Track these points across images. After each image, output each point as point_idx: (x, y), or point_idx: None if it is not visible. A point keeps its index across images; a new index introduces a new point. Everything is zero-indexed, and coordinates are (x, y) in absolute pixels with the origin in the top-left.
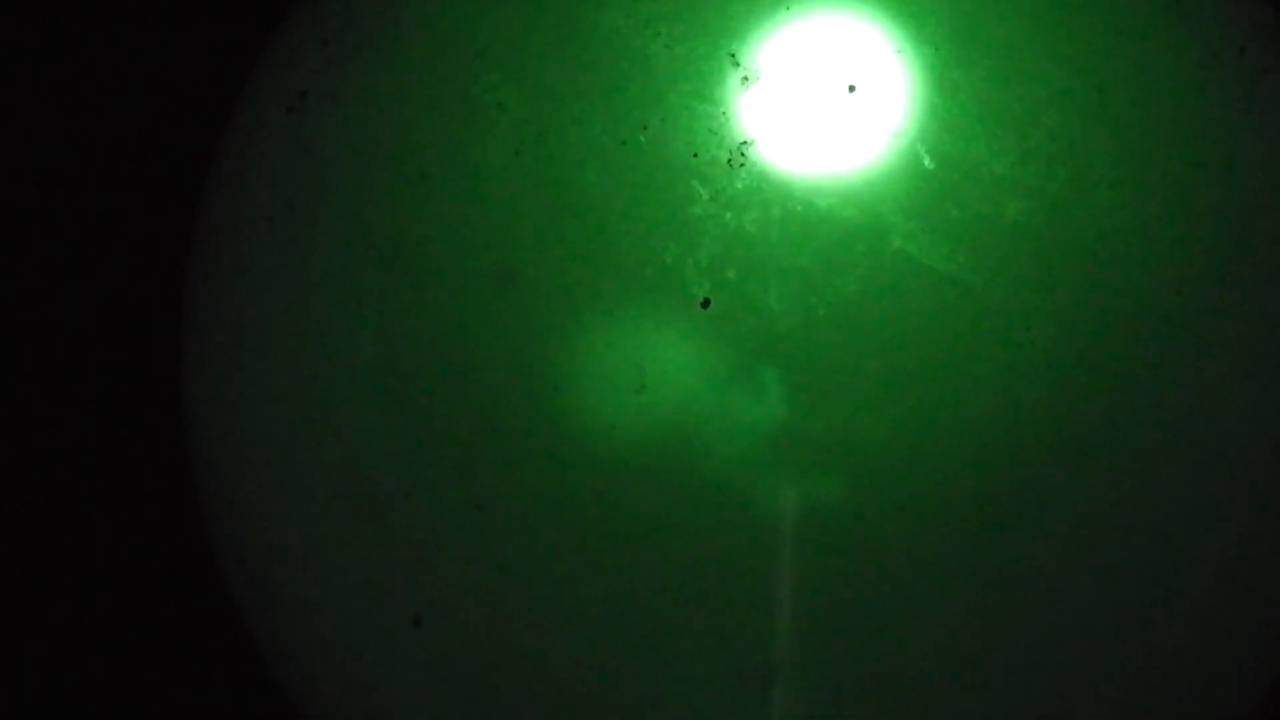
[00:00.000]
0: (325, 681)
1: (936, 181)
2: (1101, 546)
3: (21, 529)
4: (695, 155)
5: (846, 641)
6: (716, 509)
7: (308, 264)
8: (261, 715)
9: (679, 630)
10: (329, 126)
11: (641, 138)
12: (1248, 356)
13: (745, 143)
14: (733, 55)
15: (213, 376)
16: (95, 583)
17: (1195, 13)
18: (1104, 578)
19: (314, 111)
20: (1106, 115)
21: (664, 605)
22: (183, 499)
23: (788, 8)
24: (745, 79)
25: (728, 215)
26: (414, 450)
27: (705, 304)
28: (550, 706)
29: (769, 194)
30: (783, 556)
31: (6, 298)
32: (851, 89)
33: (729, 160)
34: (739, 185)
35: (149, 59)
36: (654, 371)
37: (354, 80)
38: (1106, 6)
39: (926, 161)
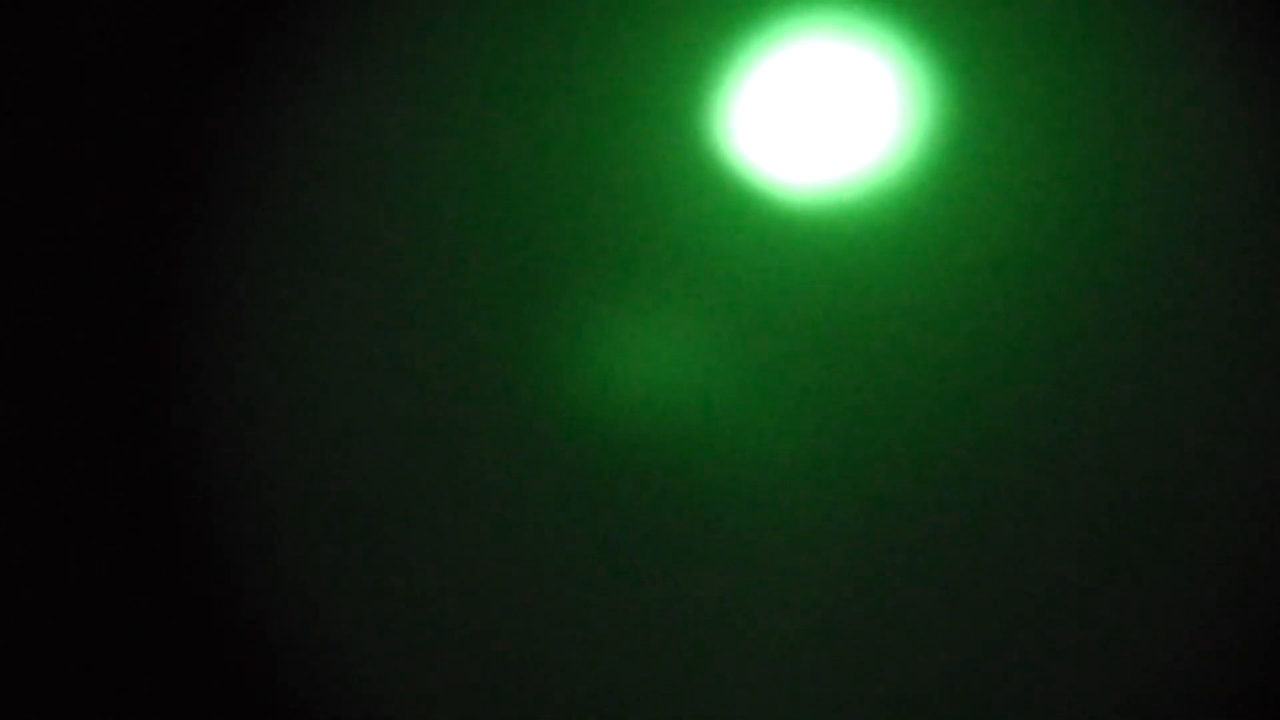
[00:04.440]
0: (323, 681)
1: (934, 186)
2: (1112, 548)
3: (19, 529)
4: (695, 157)
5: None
6: (715, 504)
7: (305, 263)
8: (259, 714)
9: (680, 627)
10: (327, 125)
11: (642, 139)
12: (1248, 359)
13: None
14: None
15: (211, 376)
16: (91, 582)
17: (1194, 23)
18: (1109, 581)
19: (312, 110)
20: (1106, 120)
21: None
22: (179, 500)
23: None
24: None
25: (729, 217)
26: (414, 448)
27: None
28: (546, 704)
29: (770, 197)
30: (786, 555)
31: (4, 297)
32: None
33: (729, 162)
34: (740, 189)
35: (146, 57)
36: (644, 366)
37: (353, 80)
38: (1103, 18)
39: (923, 168)
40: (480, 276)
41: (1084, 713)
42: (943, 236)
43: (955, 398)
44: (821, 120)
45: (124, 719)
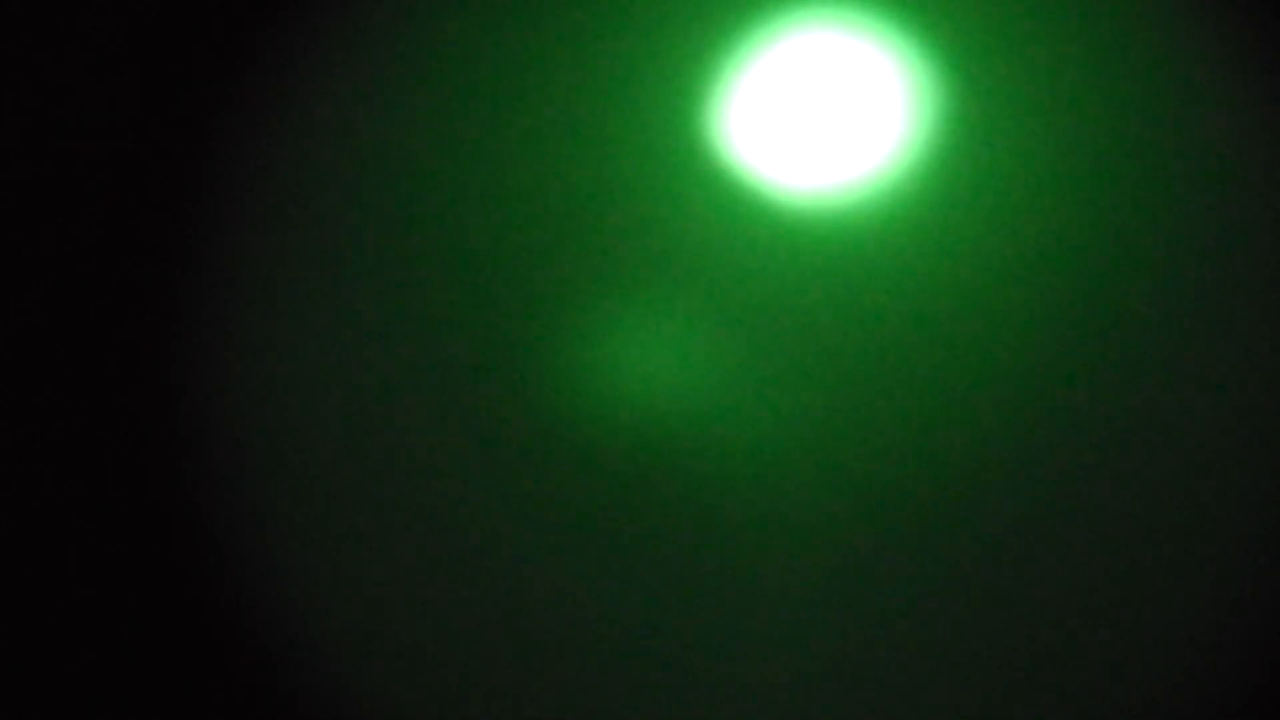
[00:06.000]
0: (323, 682)
1: (937, 189)
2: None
3: (18, 529)
4: (696, 158)
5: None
6: (714, 506)
7: (303, 261)
8: (258, 714)
9: (679, 627)
10: (328, 128)
11: (642, 140)
12: (1246, 358)
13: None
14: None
15: (211, 377)
16: (91, 583)
17: (1197, 24)
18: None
19: (311, 110)
20: (1106, 121)
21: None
22: (179, 500)
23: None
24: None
25: (730, 218)
26: (414, 448)
27: None
28: (546, 704)
29: (772, 201)
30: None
31: (3, 297)
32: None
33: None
34: (742, 192)
35: (145, 56)
36: (647, 371)
37: (353, 82)
38: (1108, 18)
39: (923, 170)
40: (479, 278)
41: (1086, 714)
42: (946, 239)
43: (959, 400)
44: (824, 123)
45: (124, 719)
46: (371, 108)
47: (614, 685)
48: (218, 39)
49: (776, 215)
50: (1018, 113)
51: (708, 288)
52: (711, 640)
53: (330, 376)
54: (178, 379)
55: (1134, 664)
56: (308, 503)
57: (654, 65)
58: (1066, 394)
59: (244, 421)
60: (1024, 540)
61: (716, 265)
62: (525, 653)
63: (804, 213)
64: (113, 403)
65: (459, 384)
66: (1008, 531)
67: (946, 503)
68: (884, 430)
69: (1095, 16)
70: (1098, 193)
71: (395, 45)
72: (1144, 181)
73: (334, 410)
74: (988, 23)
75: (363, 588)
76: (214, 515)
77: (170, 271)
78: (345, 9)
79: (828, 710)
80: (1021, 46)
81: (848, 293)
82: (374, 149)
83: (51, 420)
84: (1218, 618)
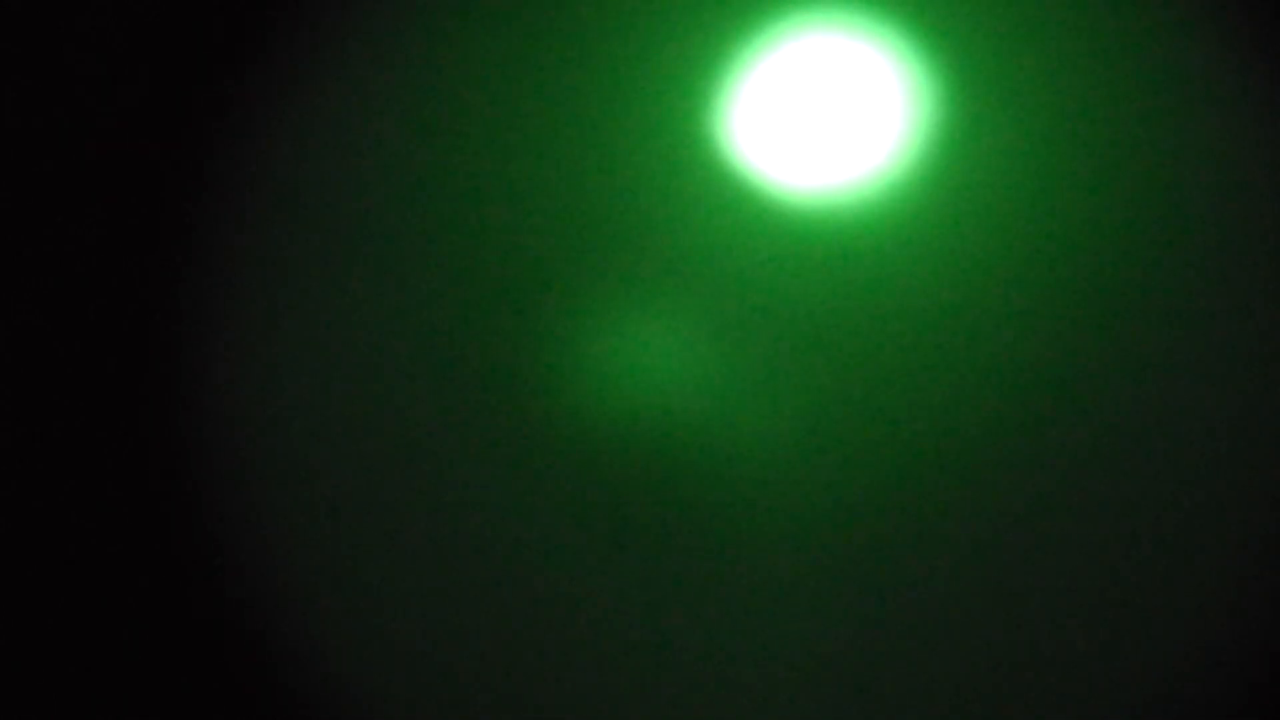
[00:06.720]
0: (321, 684)
1: (939, 188)
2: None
3: (17, 529)
4: (697, 158)
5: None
6: (714, 504)
7: (304, 262)
8: (256, 714)
9: (680, 624)
10: (326, 124)
11: (642, 140)
12: (1245, 357)
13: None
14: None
15: (209, 373)
16: (89, 582)
17: (1198, 25)
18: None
19: (311, 109)
20: (1106, 121)
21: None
22: (179, 500)
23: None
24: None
25: (733, 217)
26: (412, 445)
27: None
28: (546, 703)
29: (774, 201)
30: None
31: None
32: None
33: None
34: (744, 191)
35: (146, 57)
36: (647, 369)
37: (354, 83)
38: (1105, 21)
39: (923, 169)
40: (481, 278)
41: (1086, 713)
42: (947, 239)
43: (961, 399)
44: (826, 123)
45: (124, 719)
46: (374, 108)
47: (614, 684)
48: (218, 39)
49: (779, 214)
50: (1018, 113)
51: (710, 286)
52: (714, 639)
53: (332, 377)
54: (178, 379)
55: (1133, 664)
56: (308, 503)
57: (657, 66)
58: (1067, 393)
59: (244, 421)
60: (1025, 539)
61: (719, 264)
62: (525, 652)
63: (806, 212)
64: (113, 403)
65: (461, 384)
66: (1010, 530)
67: (948, 500)
68: (886, 429)
69: (1095, 18)
70: (1097, 193)
71: (398, 45)
72: (1143, 182)
73: (335, 410)
74: (988, 23)
75: (363, 588)
76: (214, 515)
77: (170, 271)
78: (347, 9)
79: (828, 709)
80: (1021, 47)
81: (850, 291)
82: (376, 149)
83: (52, 420)
84: (1218, 617)
